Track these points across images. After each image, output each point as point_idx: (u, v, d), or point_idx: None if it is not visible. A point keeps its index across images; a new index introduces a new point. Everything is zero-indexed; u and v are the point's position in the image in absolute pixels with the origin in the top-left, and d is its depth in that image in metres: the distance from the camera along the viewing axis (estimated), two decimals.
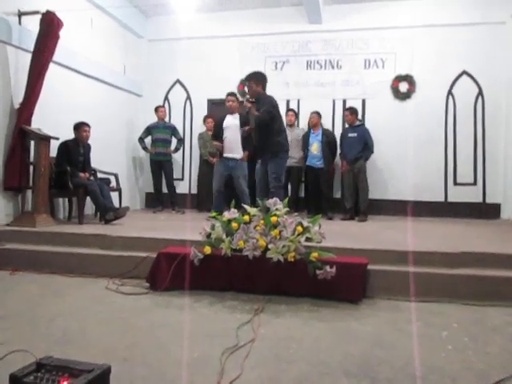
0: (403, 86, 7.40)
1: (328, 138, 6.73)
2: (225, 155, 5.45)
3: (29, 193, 5.03)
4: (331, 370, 2.02)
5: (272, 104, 4.93)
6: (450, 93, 7.29)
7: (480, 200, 7.15)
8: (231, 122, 5.45)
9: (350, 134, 6.56)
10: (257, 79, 5.01)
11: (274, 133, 4.94)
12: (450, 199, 7.26)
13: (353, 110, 6.69)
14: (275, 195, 4.34)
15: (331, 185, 7.09)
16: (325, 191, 6.66)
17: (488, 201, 7.13)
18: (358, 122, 6.69)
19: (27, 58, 4.96)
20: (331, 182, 7.11)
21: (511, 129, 6.83)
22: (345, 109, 7.19)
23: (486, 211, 7.03)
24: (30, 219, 4.68)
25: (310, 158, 6.68)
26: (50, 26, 4.94)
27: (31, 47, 4.95)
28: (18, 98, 4.98)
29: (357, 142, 6.48)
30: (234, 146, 5.42)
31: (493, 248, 3.75)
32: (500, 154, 7.07)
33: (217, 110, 7.77)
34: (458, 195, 7.21)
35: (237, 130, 5.42)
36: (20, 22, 5.12)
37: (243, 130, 5.47)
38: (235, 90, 7.60)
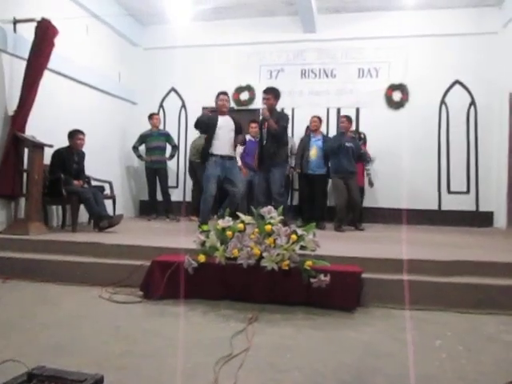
0: (397, 95, 7.46)
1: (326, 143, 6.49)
2: (218, 153, 5.17)
3: (22, 200, 5.01)
4: (325, 379, 2.02)
5: (287, 120, 5.52)
6: (443, 102, 7.37)
7: (473, 208, 7.21)
8: (225, 123, 5.28)
9: (347, 144, 6.15)
10: (276, 94, 5.48)
11: (282, 144, 5.45)
12: (443, 207, 7.31)
13: (349, 118, 6.47)
14: (279, 201, 5.01)
15: (326, 193, 7.03)
16: (320, 199, 6.52)
17: (481, 209, 7.18)
18: (350, 134, 6.39)
19: (22, 66, 4.96)
20: (325, 190, 7.03)
21: (504, 137, 6.90)
22: (341, 116, 7.01)
23: (479, 219, 7.08)
24: (23, 227, 4.64)
25: (306, 163, 6.44)
26: (45, 33, 4.95)
27: (26, 55, 4.96)
28: (12, 105, 4.98)
29: (352, 153, 6.19)
30: (227, 147, 5.24)
31: (487, 256, 3.77)
32: (493, 163, 7.13)
33: None
34: (451, 203, 7.26)
35: (230, 132, 5.27)
36: (15, 30, 5.13)
37: (240, 139, 5.63)
38: (230, 98, 7.63)
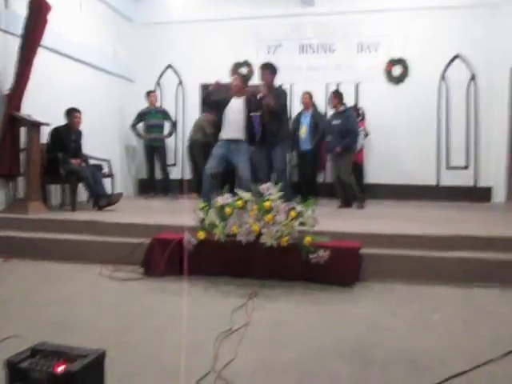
0: (396, 70, 7.37)
1: (315, 120, 6.46)
2: (225, 137, 5.04)
3: (20, 180, 4.99)
4: (325, 353, 2.05)
5: (286, 98, 5.46)
6: (443, 76, 7.28)
7: (472, 184, 7.20)
8: (236, 106, 5.07)
9: (334, 122, 5.97)
10: (272, 69, 5.36)
11: (283, 121, 5.39)
12: (442, 183, 7.30)
13: (336, 93, 6.14)
14: (281, 177, 5.11)
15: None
16: (308, 176, 6.53)
17: (480, 184, 7.18)
18: (342, 108, 5.98)
19: (15, 43, 4.86)
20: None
21: (504, 113, 6.86)
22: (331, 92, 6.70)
23: (478, 195, 7.08)
24: (22, 206, 4.65)
25: (297, 141, 6.46)
26: (39, 9, 4.84)
27: (19, 31, 4.86)
28: (7, 84, 4.91)
29: (338, 131, 5.85)
30: (236, 128, 5.04)
31: (485, 231, 3.78)
32: (492, 138, 7.09)
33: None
34: (450, 179, 7.25)
35: (240, 114, 5.06)
36: (6, 6, 5.02)
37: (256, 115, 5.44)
38: (227, 75, 7.55)
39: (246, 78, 7.32)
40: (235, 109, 5.05)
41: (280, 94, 5.38)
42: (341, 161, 5.89)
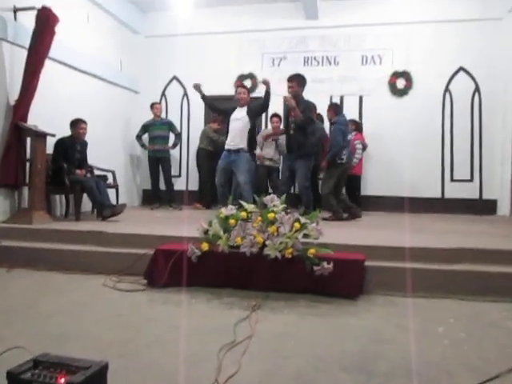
0: (400, 83, 7.41)
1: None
2: (227, 147, 5.29)
3: (25, 190, 5.02)
4: (328, 365, 2.03)
5: (312, 110, 5.37)
6: (447, 89, 7.31)
7: (477, 196, 7.18)
8: (239, 115, 5.29)
9: (329, 133, 5.98)
10: (300, 81, 5.35)
11: (309, 134, 5.33)
12: (446, 195, 7.29)
13: (331, 105, 6.16)
14: (305, 193, 5.36)
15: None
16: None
17: (484, 197, 7.16)
18: (335, 119, 5.91)
19: (23, 55, 4.94)
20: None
21: (508, 125, 6.85)
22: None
23: (483, 207, 7.06)
24: (26, 216, 4.66)
25: None
26: (46, 21, 4.92)
27: (27, 43, 4.93)
28: (14, 94, 4.96)
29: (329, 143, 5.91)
30: (238, 137, 5.23)
31: (489, 244, 3.76)
32: (497, 151, 7.09)
33: None
34: (454, 191, 7.24)
35: (243, 123, 5.24)
36: (15, 18, 5.10)
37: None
38: (232, 86, 7.62)
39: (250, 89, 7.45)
40: (237, 117, 5.27)
41: (308, 106, 5.31)
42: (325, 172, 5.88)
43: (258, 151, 6.24)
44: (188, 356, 2.09)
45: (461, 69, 7.23)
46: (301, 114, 5.15)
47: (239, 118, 5.25)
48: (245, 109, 5.31)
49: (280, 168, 6.65)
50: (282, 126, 6.26)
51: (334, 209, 5.76)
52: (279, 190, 5.31)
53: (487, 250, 3.53)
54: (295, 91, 5.26)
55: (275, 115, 6.78)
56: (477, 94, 7.21)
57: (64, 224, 4.78)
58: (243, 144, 5.22)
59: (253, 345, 2.24)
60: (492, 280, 3.20)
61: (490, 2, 7.03)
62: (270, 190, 6.73)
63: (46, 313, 2.72)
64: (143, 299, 3.08)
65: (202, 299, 3.07)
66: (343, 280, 3.14)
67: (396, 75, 7.40)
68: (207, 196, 7.18)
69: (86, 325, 2.52)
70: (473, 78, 7.20)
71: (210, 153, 7.12)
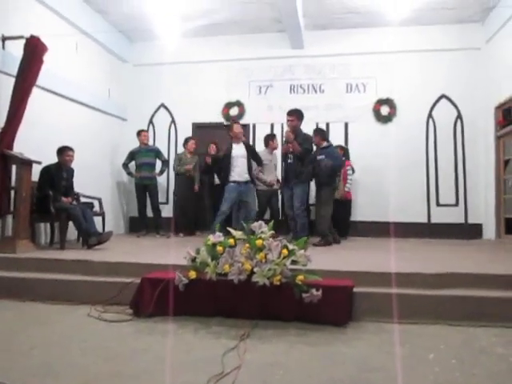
0: (384, 110, 7.55)
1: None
2: (237, 180, 5.76)
3: (9, 218, 4.94)
4: None
5: (311, 143, 5.83)
6: (430, 116, 7.47)
7: (462, 221, 7.26)
8: (240, 153, 5.80)
9: (319, 157, 5.91)
10: (299, 115, 5.83)
11: (306, 164, 5.73)
12: (433, 220, 7.35)
13: (316, 131, 6.24)
14: (299, 217, 5.62)
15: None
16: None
17: (470, 221, 7.24)
18: (325, 144, 6.09)
19: (10, 82, 4.93)
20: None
21: (490, 150, 7.00)
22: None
23: (469, 231, 7.14)
24: (10, 245, 4.57)
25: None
26: (34, 50, 4.94)
27: (14, 71, 4.94)
28: (0, 122, 4.94)
29: (324, 166, 5.84)
30: (243, 172, 5.79)
31: (477, 268, 3.78)
32: (480, 175, 7.22)
33: (201, 133, 7.83)
34: (441, 216, 7.31)
35: (244, 159, 5.79)
36: (3, 47, 5.13)
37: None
38: (220, 114, 7.72)
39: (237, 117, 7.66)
40: (239, 155, 5.79)
41: (306, 139, 5.72)
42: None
43: (263, 177, 6.58)
44: None
45: (443, 96, 7.42)
46: (299, 145, 5.52)
47: (243, 155, 5.80)
48: (242, 146, 5.83)
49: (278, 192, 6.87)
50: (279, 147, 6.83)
51: (326, 233, 5.82)
52: (286, 215, 5.97)
53: (475, 274, 3.54)
54: (295, 125, 5.70)
55: (273, 136, 7.03)
56: (459, 121, 7.38)
57: (48, 253, 4.69)
58: (249, 177, 5.84)
59: (241, 375, 2.20)
60: (481, 305, 3.20)
61: (469, 33, 7.28)
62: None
63: (28, 345, 2.64)
64: (129, 330, 3.01)
65: (190, 329, 3.02)
66: (332, 307, 3.12)
67: (380, 102, 7.56)
68: (190, 223, 7.20)
69: (70, 357, 2.45)
70: (455, 105, 7.38)
71: (184, 176, 7.17)
